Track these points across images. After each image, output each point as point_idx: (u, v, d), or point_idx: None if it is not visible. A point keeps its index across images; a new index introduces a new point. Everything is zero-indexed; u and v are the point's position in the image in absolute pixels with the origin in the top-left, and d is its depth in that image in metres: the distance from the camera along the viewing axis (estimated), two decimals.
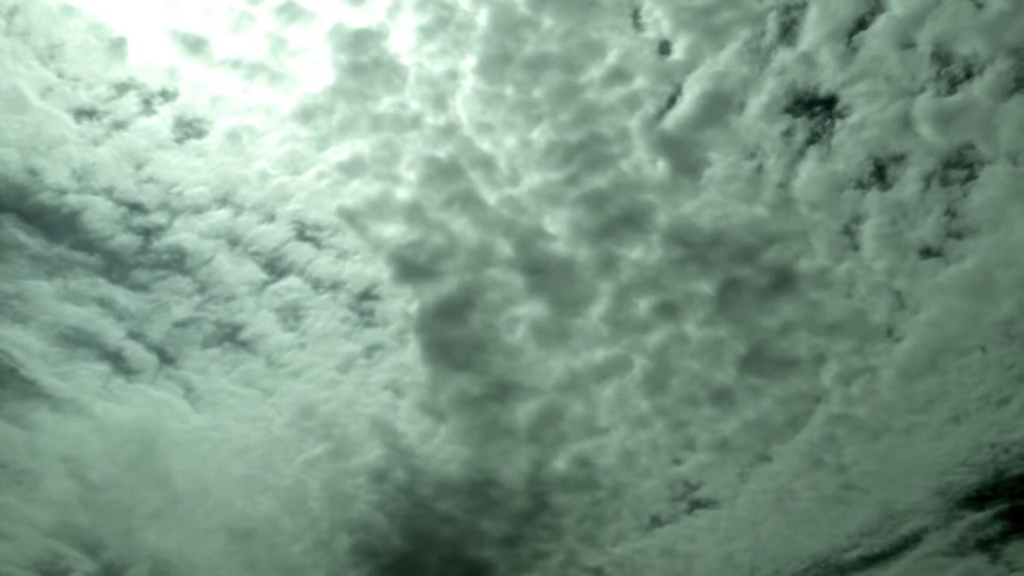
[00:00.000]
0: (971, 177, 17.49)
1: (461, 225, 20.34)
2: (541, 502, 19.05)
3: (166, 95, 21.69)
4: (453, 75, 21.10)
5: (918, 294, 17.81)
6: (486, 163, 20.47)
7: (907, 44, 18.00)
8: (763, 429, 18.55)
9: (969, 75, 17.45)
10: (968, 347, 17.17)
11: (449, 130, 20.64)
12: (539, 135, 20.45)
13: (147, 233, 20.76)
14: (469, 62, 21.32)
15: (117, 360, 19.72)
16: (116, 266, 20.53)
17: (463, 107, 21.04)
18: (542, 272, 20.09)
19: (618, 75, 20.11)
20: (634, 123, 19.93)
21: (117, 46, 21.15)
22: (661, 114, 20.04)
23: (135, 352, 19.97)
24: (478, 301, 20.16)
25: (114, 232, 20.50)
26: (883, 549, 17.20)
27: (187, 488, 19.17)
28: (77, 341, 19.52)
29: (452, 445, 19.65)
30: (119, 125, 21.21)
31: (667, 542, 18.61)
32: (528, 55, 20.38)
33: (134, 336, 20.04)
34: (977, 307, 17.11)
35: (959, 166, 17.70)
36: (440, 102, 20.94)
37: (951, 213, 17.62)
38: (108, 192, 20.65)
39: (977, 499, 16.82)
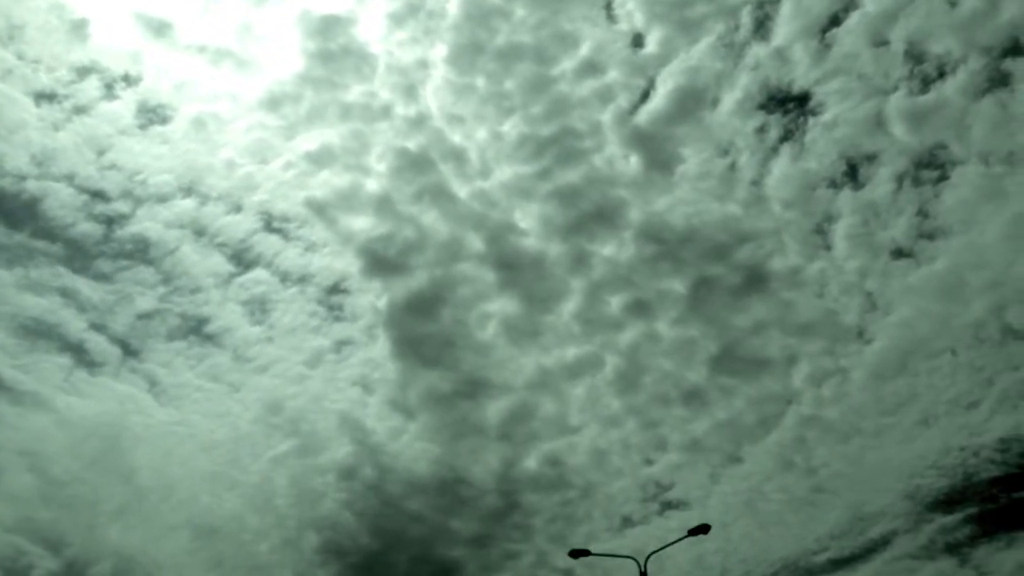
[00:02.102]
0: (943, 177, 18.45)
1: (431, 218, 21.11)
2: (511, 501, 19.66)
3: (129, 79, 22.53)
4: (423, 64, 22.03)
5: (889, 295, 18.71)
6: (457, 155, 21.36)
7: (880, 42, 18.98)
8: (734, 430, 19.41)
9: (942, 74, 18.37)
10: (938, 349, 18.02)
11: (419, 121, 21.53)
12: (510, 128, 21.39)
13: (110, 222, 21.47)
14: (440, 51, 22.30)
15: (79, 352, 20.34)
16: (78, 255, 21.19)
17: (433, 97, 21.93)
18: (513, 268, 20.97)
19: (591, 67, 21.09)
20: (607, 117, 20.94)
21: (79, 28, 21.88)
22: (634, 108, 20.97)
23: (98, 344, 20.57)
24: (448, 296, 20.90)
25: (76, 220, 21.05)
26: (852, 552, 17.92)
27: (151, 484, 19.49)
28: (38, 332, 20.12)
29: (421, 443, 20.24)
30: (80, 110, 21.93)
31: (638, 543, 19.37)
32: (500, 45, 21.28)
33: (96, 328, 20.69)
34: (947, 309, 17.95)
35: (931, 166, 18.64)
36: (410, 92, 21.83)
37: (923, 214, 18.52)
38: (69, 179, 21.34)
39: (946, 502, 17.53)
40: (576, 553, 11.70)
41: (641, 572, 11.32)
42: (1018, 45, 17.10)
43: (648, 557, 11.49)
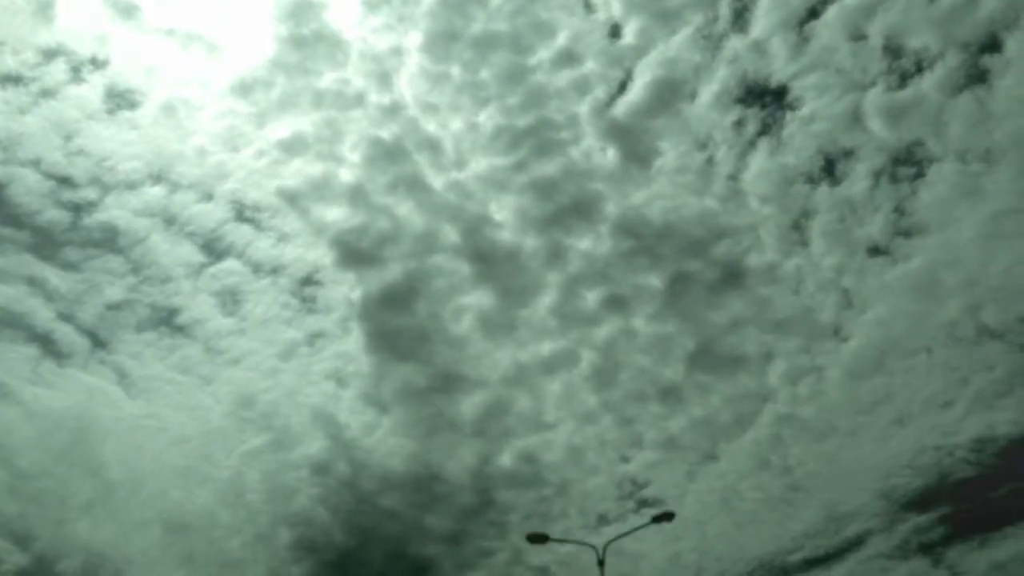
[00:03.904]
0: (920, 175, 19.17)
1: (406, 210, 21.65)
2: (486, 498, 20.21)
3: (96, 63, 23.03)
4: (398, 52, 22.65)
5: (865, 293, 19.44)
6: (432, 146, 21.99)
7: (858, 36, 19.69)
8: (711, 427, 20.17)
9: (920, 69, 19.07)
10: (913, 348, 18.75)
11: (394, 110, 22.13)
12: (486, 118, 22.05)
13: (77, 209, 21.98)
14: (414, 39, 22.90)
15: (47, 343, 20.86)
16: (45, 243, 21.62)
17: (408, 86, 22.52)
18: (488, 261, 21.62)
19: (568, 58, 21.80)
20: (584, 109, 21.66)
21: (44, 9, 22.24)
22: (611, 100, 21.71)
23: (66, 335, 21.05)
24: (423, 289, 21.43)
25: (43, 207, 21.44)
26: (827, 551, 18.59)
27: (121, 478, 19.90)
28: (4, 322, 20.69)
29: (396, 438, 20.71)
30: (47, 93, 22.37)
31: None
32: (475, 33, 21.92)
33: (64, 318, 21.18)
34: (923, 308, 18.67)
35: (908, 163, 19.33)
36: (384, 80, 22.44)
37: (899, 211, 19.22)
38: (35, 164, 21.78)
39: (920, 502, 18.20)
40: (534, 538, 12.22)
41: (600, 560, 11.80)
42: (996, 41, 17.88)
43: (607, 545, 11.98)
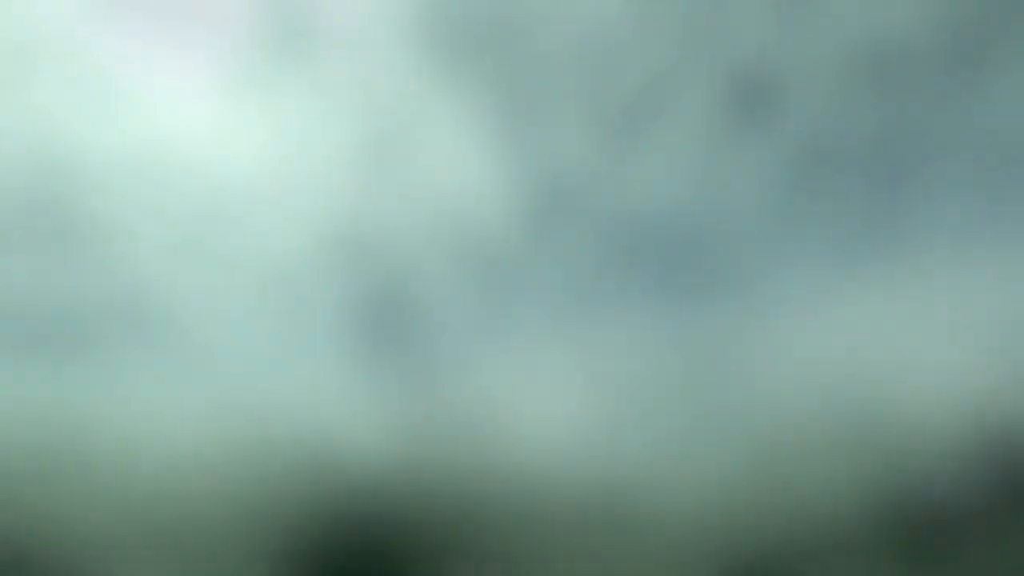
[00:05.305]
0: (910, 175, 20.26)
1: (395, 203, 23.03)
2: (473, 498, 21.86)
3: (73, 48, 24.50)
4: (387, 42, 23.98)
5: (855, 291, 20.69)
6: (420, 138, 23.19)
7: (847, 24, 20.77)
8: (698, 426, 21.45)
9: (910, 62, 20.18)
10: (904, 347, 20.06)
11: (382, 100, 23.35)
12: (475, 110, 23.28)
13: (55, 200, 23.23)
14: (403, 29, 24.30)
15: (22, 337, 22.23)
16: (20, 234, 23.07)
17: (396, 76, 23.86)
18: (478, 256, 22.84)
19: (553, 50, 23.14)
20: (569, 102, 22.89)
21: None
22: (596, 93, 22.96)
23: (41, 329, 22.46)
24: (413, 285, 22.89)
25: (19, 196, 22.97)
26: (816, 551, 20.22)
27: (101, 478, 21.31)
28: None
29: (385, 441, 22.38)
30: (21, 79, 23.88)
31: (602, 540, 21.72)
32: (465, 24, 23.22)
33: (40, 311, 22.50)
34: (914, 306, 19.92)
35: (898, 159, 20.41)
36: (373, 70, 23.75)
37: (888, 213, 20.33)
38: (10, 153, 23.18)
39: (908, 501, 19.83)
40: None
41: None
42: (989, 37, 18.66)
43: None
